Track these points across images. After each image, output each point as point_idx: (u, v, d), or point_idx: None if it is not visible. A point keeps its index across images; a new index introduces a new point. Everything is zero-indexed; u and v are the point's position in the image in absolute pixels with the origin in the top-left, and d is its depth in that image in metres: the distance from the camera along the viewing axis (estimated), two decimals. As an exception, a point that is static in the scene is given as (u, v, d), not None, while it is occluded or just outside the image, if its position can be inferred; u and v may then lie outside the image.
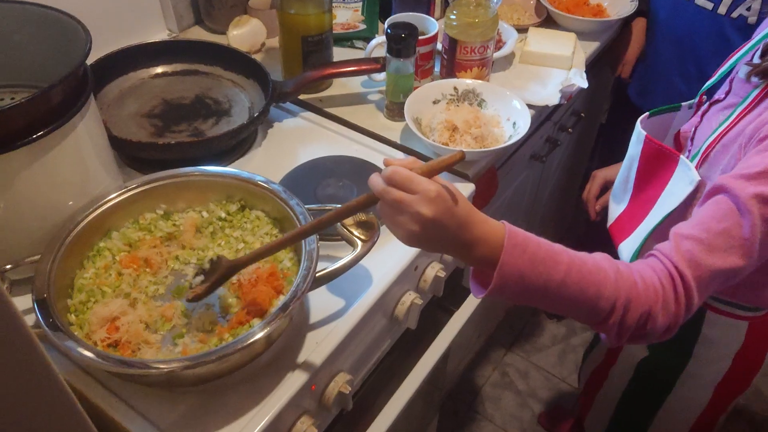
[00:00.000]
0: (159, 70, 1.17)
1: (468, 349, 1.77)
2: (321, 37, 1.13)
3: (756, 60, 0.85)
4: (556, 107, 1.25)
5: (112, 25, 1.20)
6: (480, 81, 1.14)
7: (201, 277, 0.75)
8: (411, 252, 0.92)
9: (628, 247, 0.96)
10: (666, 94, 1.44)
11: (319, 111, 1.17)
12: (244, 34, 1.28)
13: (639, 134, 0.94)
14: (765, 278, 0.86)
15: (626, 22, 1.46)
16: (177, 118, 1.09)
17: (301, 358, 0.79)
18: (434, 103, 1.13)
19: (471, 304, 1.10)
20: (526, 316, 2.07)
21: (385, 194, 0.65)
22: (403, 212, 0.64)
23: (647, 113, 0.99)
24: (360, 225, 0.81)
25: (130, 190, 0.86)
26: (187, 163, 0.91)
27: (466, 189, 1.03)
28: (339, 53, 1.27)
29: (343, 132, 1.13)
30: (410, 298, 0.95)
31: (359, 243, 0.79)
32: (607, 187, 1.15)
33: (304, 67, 1.16)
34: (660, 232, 0.88)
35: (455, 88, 1.13)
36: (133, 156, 1.05)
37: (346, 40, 1.32)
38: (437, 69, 1.21)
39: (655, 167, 0.93)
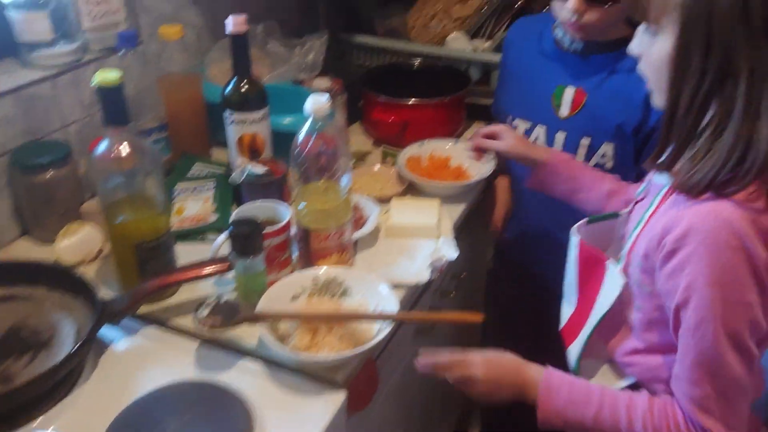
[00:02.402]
0: (-39, 303, 0.99)
1: None
2: (158, 242, 1.01)
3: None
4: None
5: None
6: (341, 267, 1.04)
7: (208, 309, 0.88)
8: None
9: (574, 350, 0.98)
10: (544, 244, 1.40)
11: (164, 324, 1.02)
12: (75, 243, 1.13)
13: (573, 240, 0.96)
14: None
15: (489, 183, 1.45)
16: (-19, 362, 0.90)
17: None
18: (293, 299, 1.01)
19: None
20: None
21: (449, 376, 0.91)
22: (465, 382, 0.90)
23: (585, 220, 0.99)
24: None
25: None
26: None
27: (335, 399, 0.89)
28: (187, 251, 1.15)
29: (192, 348, 0.97)
30: None
31: None
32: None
33: (142, 277, 1.02)
34: (598, 334, 0.93)
35: (315, 279, 1.03)
36: None
37: (197, 233, 1.20)
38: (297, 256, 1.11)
39: (592, 270, 0.95)
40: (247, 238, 0.95)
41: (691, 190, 0.74)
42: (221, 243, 1.04)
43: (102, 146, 0.94)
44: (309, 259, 1.06)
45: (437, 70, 1.69)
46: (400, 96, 1.50)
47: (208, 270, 1.00)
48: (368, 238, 1.19)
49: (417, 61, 1.69)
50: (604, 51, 1.23)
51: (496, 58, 1.67)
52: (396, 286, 1.07)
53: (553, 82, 1.29)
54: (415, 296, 1.17)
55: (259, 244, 0.97)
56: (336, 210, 1.02)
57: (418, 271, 1.11)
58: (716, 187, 0.73)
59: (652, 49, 0.79)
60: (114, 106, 0.91)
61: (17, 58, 1.21)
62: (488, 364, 0.89)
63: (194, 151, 1.41)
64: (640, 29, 0.81)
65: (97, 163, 0.95)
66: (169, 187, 1.31)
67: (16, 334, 0.95)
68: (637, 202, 0.95)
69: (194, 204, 1.27)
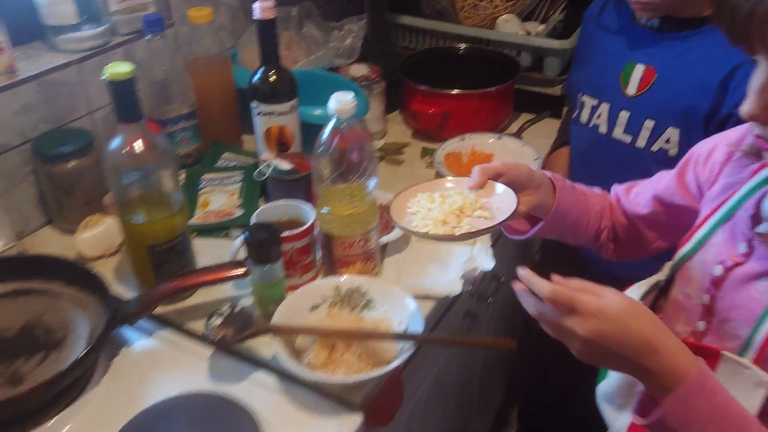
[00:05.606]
0: (-24, 296, 0.97)
1: None
2: (172, 243, 0.96)
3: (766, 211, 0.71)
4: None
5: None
6: (365, 277, 0.97)
7: (220, 320, 0.82)
8: None
9: None
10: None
11: (179, 327, 0.98)
12: (97, 236, 1.10)
13: None
14: None
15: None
16: (-8, 361, 0.87)
17: None
18: (313, 309, 0.95)
19: None
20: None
21: (541, 317, 0.67)
22: (560, 332, 0.66)
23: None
24: None
25: None
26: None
27: (351, 421, 0.83)
28: (209, 247, 1.11)
29: (206, 355, 0.93)
30: None
31: None
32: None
33: (157, 278, 0.97)
34: None
35: (337, 288, 0.96)
36: None
37: (221, 229, 1.15)
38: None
39: None
40: (263, 246, 0.89)
41: None
42: (239, 246, 0.99)
43: (114, 142, 0.89)
44: (332, 266, 0.99)
45: (485, 55, 1.58)
46: (443, 84, 1.41)
47: (224, 274, 0.95)
48: (398, 242, 1.12)
49: (462, 46, 1.59)
50: (682, 29, 1.13)
51: (549, 43, 1.55)
52: (425, 298, 1.00)
53: (624, 59, 1.21)
54: (445, 307, 1.10)
55: (276, 251, 0.91)
56: (362, 215, 0.95)
57: (450, 283, 1.03)
58: None
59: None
60: (126, 101, 0.86)
61: (45, 41, 1.18)
62: (602, 323, 0.63)
63: (225, 139, 1.35)
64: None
65: (109, 159, 0.91)
66: (195, 177, 1.26)
67: (30, 331, 0.92)
68: (729, 269, 0.74)
69: (220, 197, 1.22)
